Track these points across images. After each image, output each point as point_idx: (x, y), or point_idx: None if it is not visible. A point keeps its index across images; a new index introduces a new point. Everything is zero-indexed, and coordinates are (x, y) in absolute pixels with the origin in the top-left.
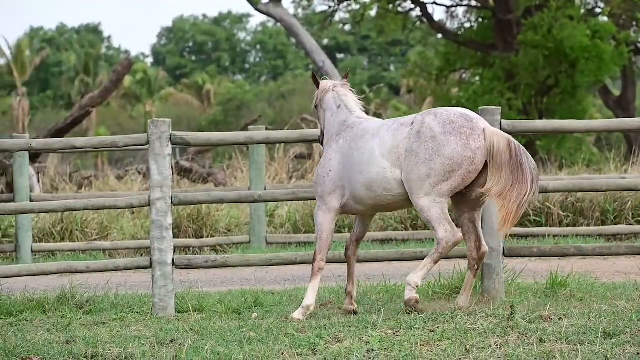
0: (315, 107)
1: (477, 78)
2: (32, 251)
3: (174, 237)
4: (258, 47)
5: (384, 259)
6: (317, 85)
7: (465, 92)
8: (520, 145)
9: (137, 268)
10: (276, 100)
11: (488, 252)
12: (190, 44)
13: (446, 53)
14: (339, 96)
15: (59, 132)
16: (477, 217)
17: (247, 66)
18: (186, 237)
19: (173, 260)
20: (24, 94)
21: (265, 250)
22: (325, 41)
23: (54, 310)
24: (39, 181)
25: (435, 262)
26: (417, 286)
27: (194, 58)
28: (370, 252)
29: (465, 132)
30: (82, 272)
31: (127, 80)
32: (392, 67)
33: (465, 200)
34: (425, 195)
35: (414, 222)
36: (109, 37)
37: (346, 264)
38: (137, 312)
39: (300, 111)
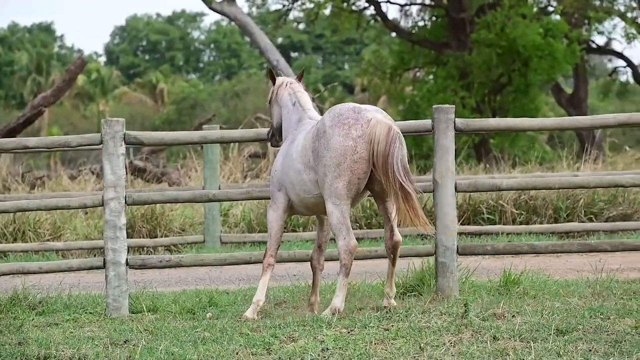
0: (269, 102)
1: (431, 76)
2: None
3: (127, 237)
4: (212, 45)
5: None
6: (274, 81)
7: (419, 90)
8: (399, 135)
9: (91, 268)
10: (230, 99)
11: (442, 251)
12: (144, 43)
13: (400, 51)
14: (294, 93)
15: (11, 132)
16: (388, 207)
17: (201, 65)
18: (140, 237)
19: (127, 260)
20: None
21: (219, 249)
22: (280, 40)
23: (6, 312)
24: None
25: (347, 276)
26: (340, 311)
27: (147, 57)
28: (325, 251)
29: (348, 122)
30: (34, 272)
31: (80, 79)
32: (346, 66)
33: (374, 193)
34: (328, 197)
35: (368, 221)
36: (62, 36)
37: (296, 262)
38: (91, 313)
39: (255, 110)
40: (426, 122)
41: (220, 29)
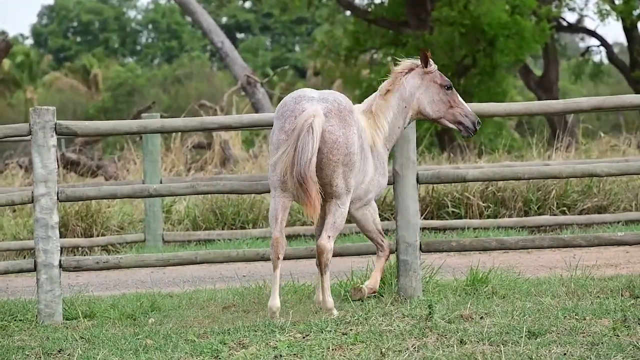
0: None
1: (389, 58)
2: None
3: (60, 237)
4: (150, 26)
5: (291, 257)
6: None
7: (377, 73)
8: (311, 125)
9: (20, 271)
10: (171, 85)
11: (404, 248)
12: (75, 24)
13: (355, 32)
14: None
15: None
16: (325, 207)
17: (138, 48)
18: (74, 237)
19: (60, 262)
20: None
21: (162, 249)
22: (224, 20)
23: None
24: None
25: (275, 269)
26: (275, 310)
27: (79, 39)
28: None
29: (286, 114)
30: None
31: (5, 64)
32: (297, 48)
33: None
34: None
35: None
36: None
37: (245, 262)
38: (21, 320)
39: (198, 97)
40: None
41: (158, 7)
